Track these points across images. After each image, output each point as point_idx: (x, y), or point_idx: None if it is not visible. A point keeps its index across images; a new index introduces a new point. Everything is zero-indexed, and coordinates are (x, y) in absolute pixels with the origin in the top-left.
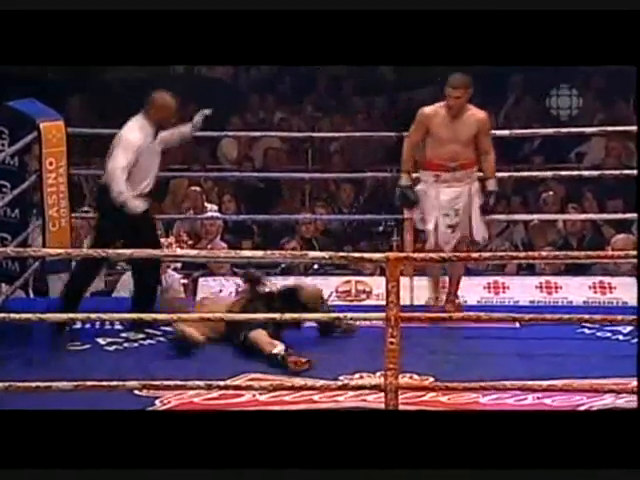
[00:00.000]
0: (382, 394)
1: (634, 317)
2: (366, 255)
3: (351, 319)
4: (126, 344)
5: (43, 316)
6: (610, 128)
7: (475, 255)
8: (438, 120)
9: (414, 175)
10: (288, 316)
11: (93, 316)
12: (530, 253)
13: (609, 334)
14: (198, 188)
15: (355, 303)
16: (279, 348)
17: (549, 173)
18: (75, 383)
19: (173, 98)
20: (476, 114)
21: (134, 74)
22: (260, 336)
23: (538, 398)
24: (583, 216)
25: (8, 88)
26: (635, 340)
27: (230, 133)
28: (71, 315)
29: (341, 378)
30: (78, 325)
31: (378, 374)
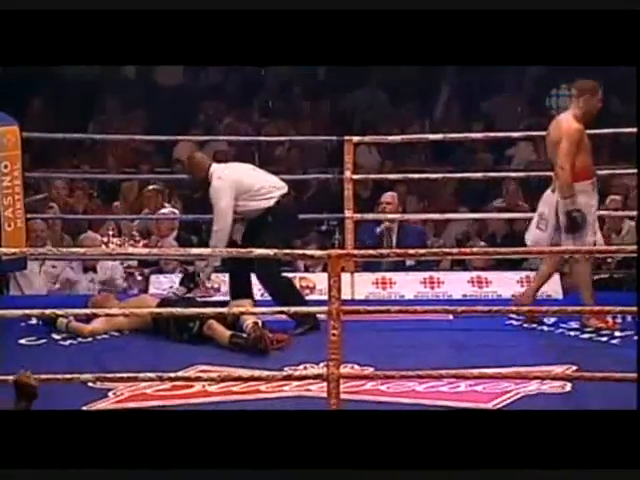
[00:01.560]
0: (325, 383)
1: (557, 309)
2: (309, 252)
3: (295, 313)
4: (80, 338)
5: None
6: (535, 133)
7: (412, 251)
8: (583, 132)
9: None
10: (236, 310)
11: (47, 312)
12: (463, 249)
13: (534, 325)
14: (156, 186)
15: None
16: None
17: (479, 174)
18: None
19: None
20: None
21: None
22: (217, 326)
23: (470, 385)
24: (515, 215)
25: None
26: (559, 330)
27: (180, 137)
28: (26, 311)
29: (286, 369)
30: (34, 321)
31: (321, 365)
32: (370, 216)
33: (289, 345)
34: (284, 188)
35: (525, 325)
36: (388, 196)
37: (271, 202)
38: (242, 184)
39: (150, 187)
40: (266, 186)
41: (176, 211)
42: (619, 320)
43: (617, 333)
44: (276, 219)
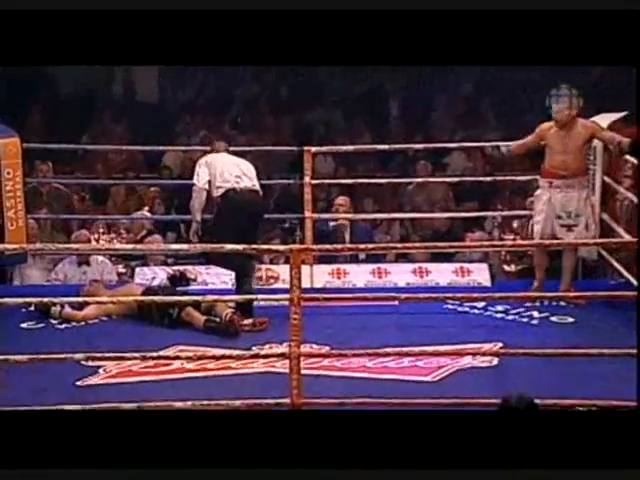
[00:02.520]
0: (287, 361)
1: (486, 295)
2: (273, 247)
3: (262, 300)
4: (75, 322)
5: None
6: (467, 144)
7: (362, 246)
8: (552, 133)
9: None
10: (210, 298)
11: (45, 300)
12: (406, 244)
13: (467, 309)
14: (157, 188)
15: (266, 287)
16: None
17: (420, 179)
18: (29, 356)
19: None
20: (584, 124)
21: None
22: (193, 312)
23: (412, 361)
24: (447, 214)
25: None
26: (487, 313)
27: (160, 148)
28: (27, 299)
29: (254, 348)
30: (33, 308)
31: (284, 344)
32: (326, 216)
33: (268, 327)
34: (243, 184)
35: (459, 309)
36: (341, 199)
37: (220, 192)
38: (215, 173)
39: (152, 189)
40: (229, 179)
41: (147, 214)
42: (537, 304)
43: (535, 314)
44: (219, 213)
